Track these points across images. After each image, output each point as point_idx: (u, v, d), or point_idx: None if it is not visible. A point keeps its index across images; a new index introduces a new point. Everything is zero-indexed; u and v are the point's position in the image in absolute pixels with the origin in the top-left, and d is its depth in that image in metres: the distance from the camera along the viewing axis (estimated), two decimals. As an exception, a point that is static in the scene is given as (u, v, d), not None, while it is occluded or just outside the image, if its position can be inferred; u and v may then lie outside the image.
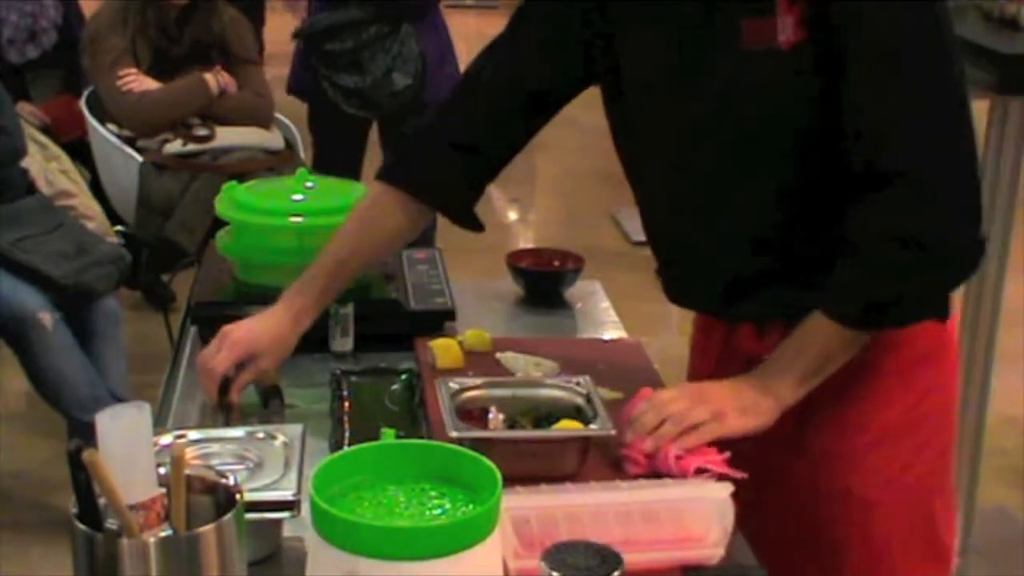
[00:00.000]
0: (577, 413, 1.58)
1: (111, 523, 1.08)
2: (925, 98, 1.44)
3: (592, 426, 1.54)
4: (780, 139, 1.51)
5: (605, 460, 1.55)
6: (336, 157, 4.07)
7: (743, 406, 1.52)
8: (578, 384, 1.62)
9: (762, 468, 1.53)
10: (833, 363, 1.53)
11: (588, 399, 1.59)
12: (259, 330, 1.70)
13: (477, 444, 1.37)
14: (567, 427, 1.56)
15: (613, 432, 1.52)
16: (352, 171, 4.01)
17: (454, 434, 1.47)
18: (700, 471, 1.46)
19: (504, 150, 1.73)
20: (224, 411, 1.67)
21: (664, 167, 1.63)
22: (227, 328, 1.70)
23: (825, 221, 1.54)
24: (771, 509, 1.61)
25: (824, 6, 1.43)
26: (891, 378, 1.61)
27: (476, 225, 1.79)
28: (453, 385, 1.61)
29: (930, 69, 1.43)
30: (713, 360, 1.72)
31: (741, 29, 1.47)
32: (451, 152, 1.71)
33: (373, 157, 4.31)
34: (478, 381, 1.63)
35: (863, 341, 1.53)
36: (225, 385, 1.67)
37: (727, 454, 1.49)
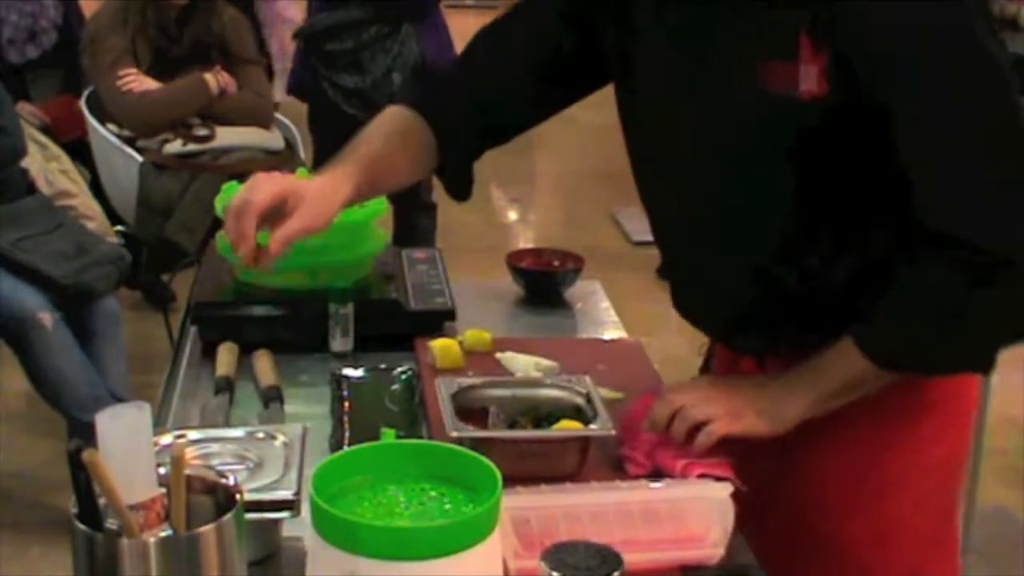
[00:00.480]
0: (577, 413, 1.58)
1: (111, 523, 1.08)
2: (968, 154, 1.35)
3: (592, 426, 1.54)
4: (787, 180, 1.45)
5: (605, 460, 1.55)
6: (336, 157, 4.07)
7: (760, 408, 1.49)
8: (578, 384, 1.62)
9: (761, 498, 1.49)
10: (856, 391, 1.48)
11: (588, 399, 1.59)
12: (300, 180, 1.59)
13: (477, 444, 1.37)
14: (567, 427, 1.56)
15: (613, 432, 1.52)
16: (352, 171, 4.01)
17: (454, 434, 1.47)
18: (703, 476, 1.46)
19: (512, 117, 1.73)
20: (256, 263, 1.52)
21: (668, 178, 1.59)
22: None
23: (826, 264, 1.49)
24: (769, 532, 1.56)
25: (848, 58, 1.34)
26: (893, 423, 1.55)
27: (465, 188, 1.75)
28: (453, 385, 1.61)
29: (973, 123, 1.35)
30: (724, 370, 1.71)
31: (762, 69, 1.39)
32: (465, 102, 1.70)
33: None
34: (478, 381, 1.63)
35: (892, 376, 1.46)
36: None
37: (731, 460, 1.48)
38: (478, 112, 1.70)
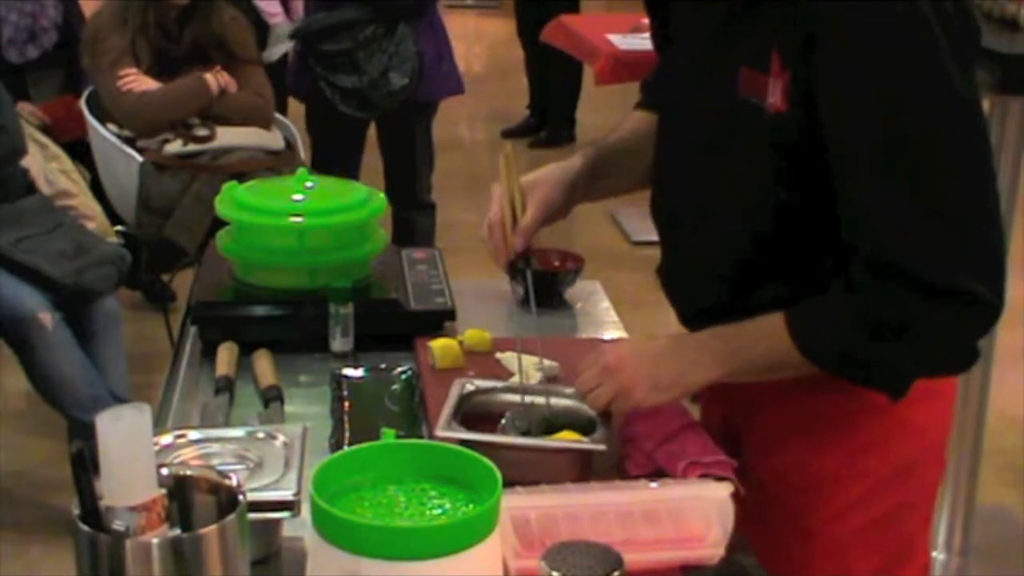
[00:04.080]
0: (589, 425, 1.55)
1: (118, 524, 1.09)
2: (922, 195, 1.36)
3: (584, 440, 1.52)
4: (754, 192, 1.46)
5: (605, 460, 1.54)
6: (334, 157, 4.08)
7: (655, 383, 1.49)
8: None
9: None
10: (775, 373, 1.47)
11: (607, 413, 1.56)
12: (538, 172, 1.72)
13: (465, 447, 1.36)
14: (561, 438, 1.54)
15: (603, 448, 1.49)
16: (350, 171, 4.01)
17: (440, 433, 1.47)
18: (704, 476, 1.46)
19: None
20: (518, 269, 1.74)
21: (666, 166, 1.62)
22: None
23: (792, 276, 1.48)
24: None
25: (808, 80, 1.35)
26: (825, 425, 1.55)
27: None
28: (470, 386, 1.61)
29: (925, 161, 1.36)
30: None
31: (739, 76, 1.42)
32: None
33: (372, 157, 4.31)
34: (498, 384, 1.63)
35: (808, 370, 1.44)
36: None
37: (735, 463, 1.48)
38: None
